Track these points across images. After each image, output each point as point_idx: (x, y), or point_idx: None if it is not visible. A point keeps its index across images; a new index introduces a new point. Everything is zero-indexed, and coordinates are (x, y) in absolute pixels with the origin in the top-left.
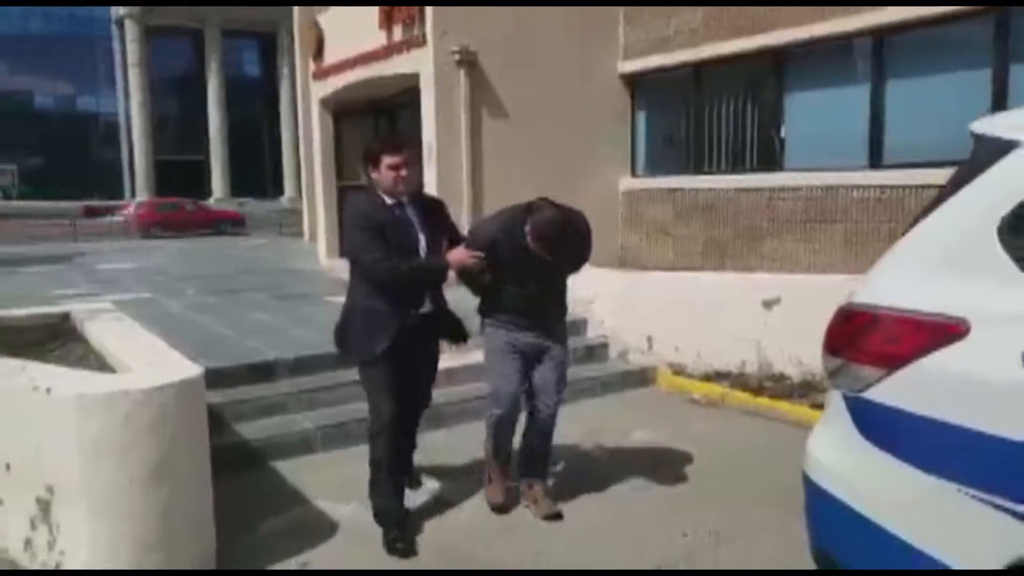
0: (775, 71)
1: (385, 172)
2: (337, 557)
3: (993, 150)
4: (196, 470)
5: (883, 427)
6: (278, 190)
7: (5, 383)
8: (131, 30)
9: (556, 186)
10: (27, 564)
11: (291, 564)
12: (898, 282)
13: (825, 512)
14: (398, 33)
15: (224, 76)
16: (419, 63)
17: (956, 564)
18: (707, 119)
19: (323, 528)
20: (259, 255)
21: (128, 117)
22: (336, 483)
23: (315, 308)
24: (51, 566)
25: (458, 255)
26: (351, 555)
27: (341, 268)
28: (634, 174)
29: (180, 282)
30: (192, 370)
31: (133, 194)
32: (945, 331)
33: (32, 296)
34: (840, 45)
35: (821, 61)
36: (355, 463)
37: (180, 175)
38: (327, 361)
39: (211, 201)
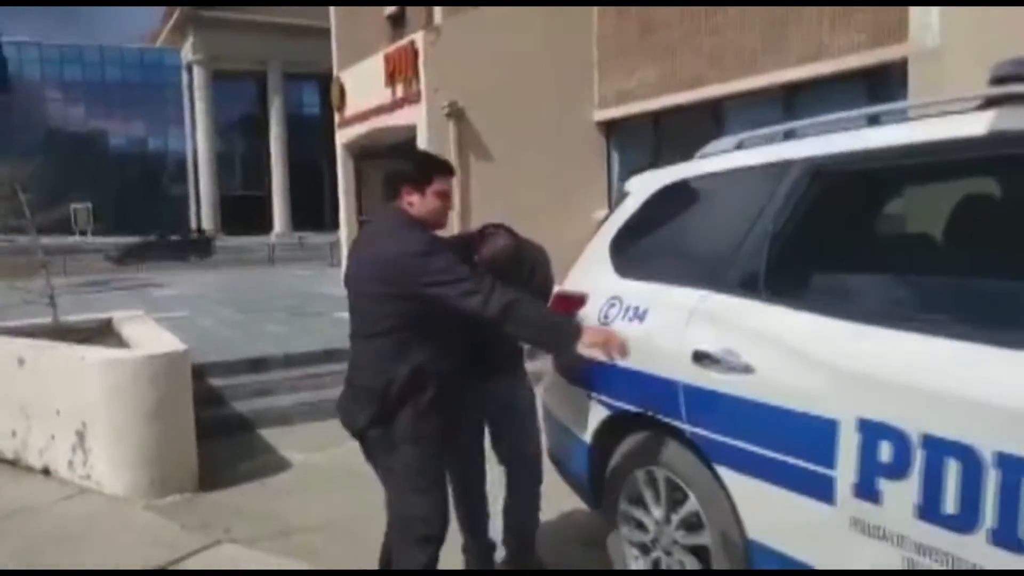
0: (714, 116)
1: (431, 199)
2: (286, 480)
3: (622, 196)
4: (181, 413)
5: (560, 363)
6: (335, 224)
7: (61, 356)
8: (199, 74)
9: (538, 219)
10: (69, 478)
11: (252, 482)
12: (575, 274)
13: (550, 427)
14: (400, 90)
15: (285, 116)
16: (416, 116)
17: (573, 426)
18: (664, 158)
19: (282, 465)
20: (297, 283)
21: (195, 156)
22: (300, 442)
23: (322, 322)
24: (84, 478)
25: (605, 335)
26: (295, 481)
27: None
28: (609, 207)
29: (216, 304)
30: (179, 347)
31: (200, 229)
32: (581, 300)
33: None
34: (759, 96)
35: (747, 108)
36: (317, 431)
37: (244, 210)
38: (311, 358)
39: (272, 236)
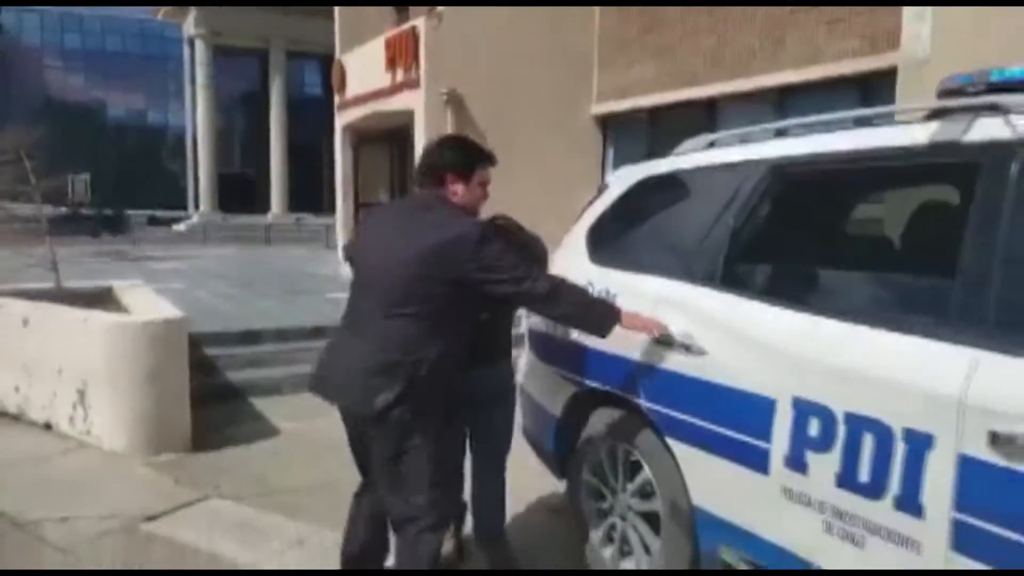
0: (709, 115)
1: (476, 188)
2: (273, 445)
3: (601, 189)
4: (177, 377)
5: (535, 344)
6: (332, 207)
7: (65, 318)
8: (201, 49)
9: (533, 209)
10: (69, 433)
11: (241, 445)
12: (556, 260)
13: (525, 405)
14: (400, 75)
15: (286, 96)
16: (414, 101)
17: (544, 402)
18: (659, 153)
19: (270, 432)
20: (292, 262)
21: (194, 131)
22: (289, 411)
23: (312, 300)
24: (84, 433)
25: (643, 320)
26: (281, 446)
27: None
28: None
29: (213, 279)
30: (177, 314)
31: (196, 206)
32: None
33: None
34: (754, 97)
35: (741, 108)
36: (305, 402)
37: (241, 189)
38: (302, 332)
39: (269, 216)
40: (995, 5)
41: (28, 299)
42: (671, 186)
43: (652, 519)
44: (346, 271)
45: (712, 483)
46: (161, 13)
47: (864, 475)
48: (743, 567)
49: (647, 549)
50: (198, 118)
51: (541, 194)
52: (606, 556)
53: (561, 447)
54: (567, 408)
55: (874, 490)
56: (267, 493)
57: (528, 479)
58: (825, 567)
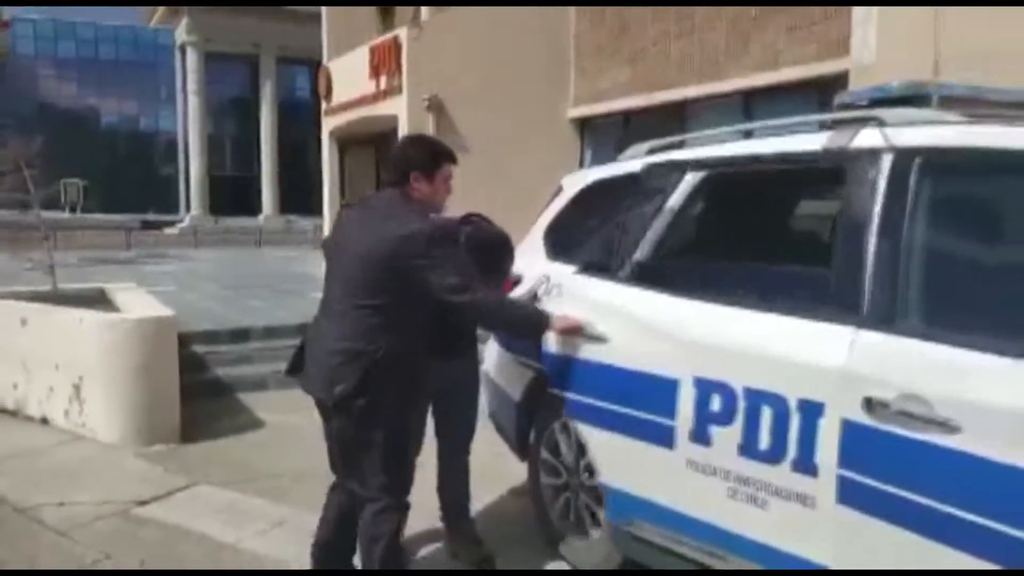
0: (679, 118)
1: (439, 184)
2: (260, 436)
3: (556, 191)
4: (167, 372)
5: (498, 334)
6: (323, 208)
7: (61, 318)
8: (192, 56)
9: (511, 210)
10: (65, 427)
11: (229, 437)
12: (522, 258)
13: (490, 392)
14: (383, 82)
15: (277, 100)
16: (398, 107)
17: (507, 388)
18: None
19: (257, 424)
20: (281, 263)
21: (186, 136)
22: (274, 406)
23: (299, 299)
24: (79, 426)
25: (570, 322)
26: (268, 437)
27: None
28: None
29: (203, 281)
30: (167, 312)
31: (188, 208)
32: (517, 281)
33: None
34: (722, 100)
35: (709, 110)
36: (291, 397)
37: (233, 192)
38: (287, 331)
39: (260, 218)
40: (936, 5)
41: (26, 300)
42: (610, 189)
43: (600, 494)
44: None
45: (619, 461)
46: (153, 20)
47: (764, 443)
48: (658, 541)
49: (597, 524)
50: (189, 123)
51: (521, 194)
52: (564, 531)
53: (522, 429)
54: (526, 392)
55: (774, 456)
56: (252, 480)
57: (498, 463)
58: (731, 532)
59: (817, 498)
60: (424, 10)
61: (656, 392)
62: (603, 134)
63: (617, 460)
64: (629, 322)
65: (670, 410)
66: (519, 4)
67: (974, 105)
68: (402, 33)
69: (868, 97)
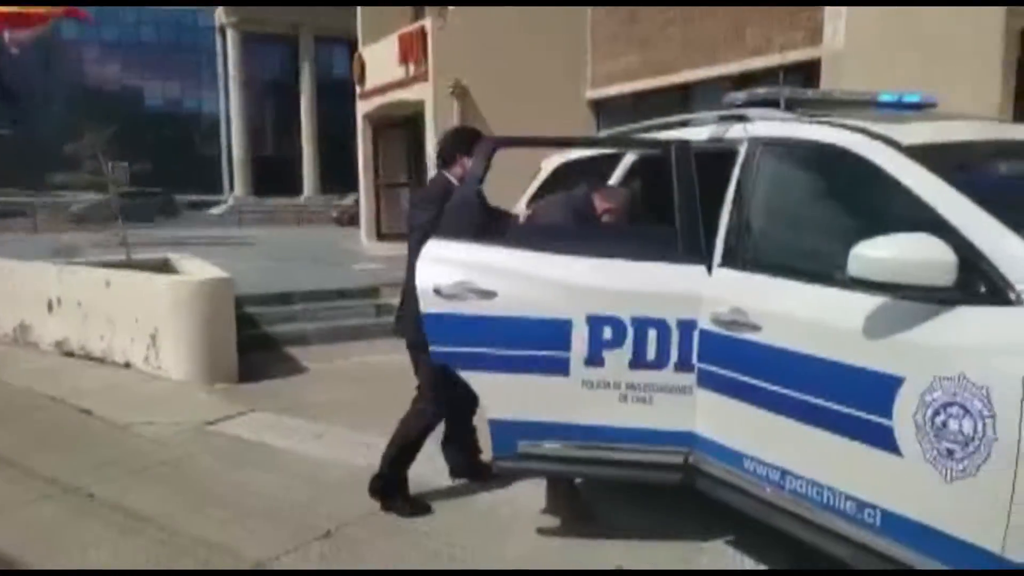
0: (683, 99)
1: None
2: (303, 379)
3: (536, 172)
4: (226, 325)
5: None
6: None
7: (142, 280)
8: (232, 37)
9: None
10: (144, 369)
11: (277, 379)
12: None
13: None
14: (412, 68)
15: (316, 80)
16: (424, 93)
17: None
18: None
19: (301, 370)
20: (323, 239)
21: (228, 117)
22: (315, 357)
23: (338, 270)
24: (156, 368)
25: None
26: (309, 380)
27: (375, 247)
28: None
29: (250, 254)
30: (224, 275)
31: (232, 189)
32: None
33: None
34: (721, 83)
35: (709, 92)
36: (329, 349)
37: (274, 172)
38: (326, 295)
39: (302, 198)
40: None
41: (107, 268)
42: (574, 169)
43: None
44: (371, 245)
45: (511, 396)
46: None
47: (651, 355)
48: (542, 452)
49: None
50: (231, 104)
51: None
52: None
53: None
54: None
55: (659, 363)
56: (297, 408)
57: None
58: (623, 427)
59: (690, 387)
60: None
61: (550, 332)
62: (616, 114)
63: (509, 396)
64: (517, 278)
65: (565, 344)
66: (538, 4)
67: (822, 105)
68: (428, 23)
69: (742, 99)
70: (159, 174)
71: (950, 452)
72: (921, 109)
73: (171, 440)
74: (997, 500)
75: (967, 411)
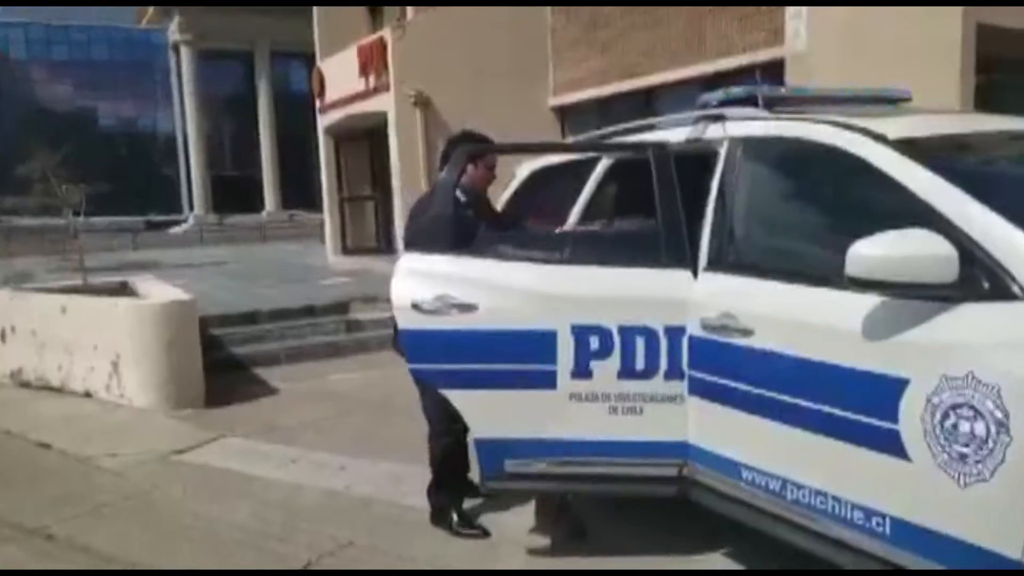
0: (648, 103)
1: (482, 171)
2: (272, 401)
3: (511, 177)
4: (191, 348)
5: None
6: None
7: (101, 305)
8: (186, 54)
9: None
10: (106, 398)
11: (247, 402)
12: None
13: None
14: (372, 80)
15: (273, 95)
16: (386, 104)
17: None
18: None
19: (270, 391)
20: (288, 255)
21: (185, 136)
22: (284, 376)
23: (304, 286)
24: (119, 397)
25: None
26: (279, 401)
27: (342, 262)
28: None
29: (213, 274)
30: (186, 296)
31: (191, 208)
32: None
33: None
34: (685, 86)
35: (674, 96)
36: (298, 369)
37: (235, 190)
38: (294, 312)
39: (263, 214)
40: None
41: (63, 293)
42: (544, 176)
43: None
44: (336, 261)
45: (497, 413)
46: (144, 20)
47: (640, 364)
48: (530, 470)
49: None
50: (187, 122)
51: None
52: None
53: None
54: None
55: (649, 372)
56: (269, 431)
57: None
58: (613, 440)
59: (681, 395)
60: (409, 9)
61: (535, 344)
62: (581, 121)
63: (495, 414)
64: (498, 290)
65: (551, 356)
66: (497, 4)
67: (798, 102)
68: (386, 33)
69: (718, 99)
70: (117, 196)
71: (962, 456)
72: (895, 104)
73: (136, 472)
74: (1015, 505)
75: (978, 412)
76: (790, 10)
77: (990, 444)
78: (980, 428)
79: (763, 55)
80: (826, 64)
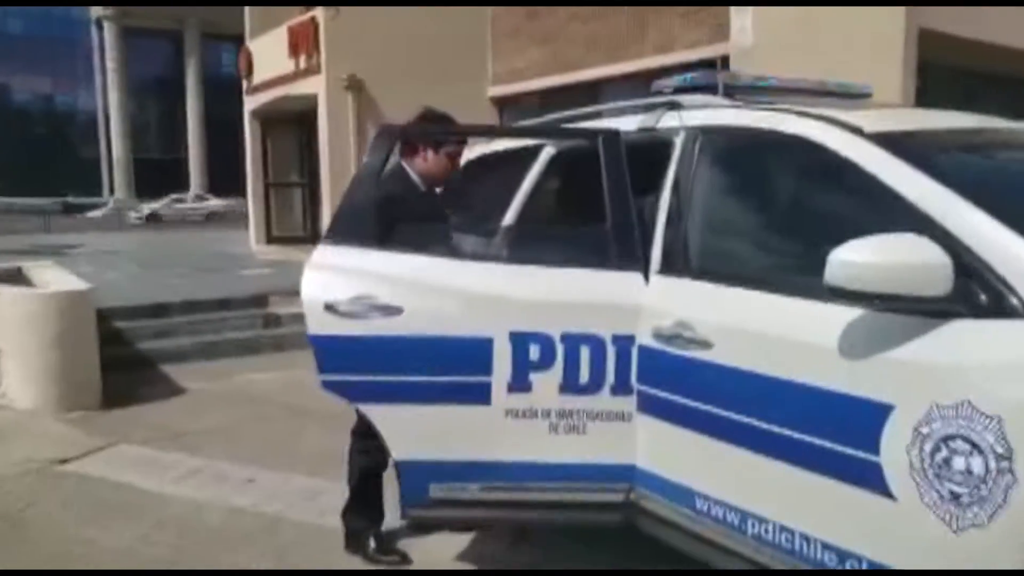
0: (592, 97)
1: (441, 159)
2: (179, 402)
3: None
4: (85, 343)
5: None
6: None
7: None
8: (109, 30)
9: None
10: None
11: (150, 404)
12: None
13: None
14: (303, 61)
15: (203, 77)
16: (317, 86)
17: None
18: None
19: (178, 392)
20: (208, 243)
21: (107, 116)
22: (195, 375)
23: (221, 276)
24: (2, 397)
25: None
26: (187, 403)
27: (266, 251)
28: None
29: (124, 261)
30: (82, 286)
31: (112, 191)
32: None
33: None
34: (628, 80)
35: (617, 90)
36: (211, 367)
37: (159, 173)
38: (208, 305)
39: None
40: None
41: None
42: (477, 168)
43: None
44: (260, 249)
45: (421, 432)
46: None
47: (584, 377)
48: (459, 496)
49: None
50: (110, 102)
51: None
52: None
53: None
54: None
55: (594, 386)
56: (171, 438)
57: None
58: (551, 463)
59: (630, 412)
60: None
61: (468, 353)
62: (521, 112)
63: (419, 432)
64: (427, 290)
65: (485, 367)
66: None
67: (757, 91)
68: (319, 13)
69: (673, 86)
70: (32, 175)
71: (955, 496)
72: (856, 99)
73: (9, 485)
74: (1015, 558)
75: (975, 446)
76: (735, 8)
77: (989, 484)
78: (977, 464)
79: (708, 51)
80: (772, 60)
